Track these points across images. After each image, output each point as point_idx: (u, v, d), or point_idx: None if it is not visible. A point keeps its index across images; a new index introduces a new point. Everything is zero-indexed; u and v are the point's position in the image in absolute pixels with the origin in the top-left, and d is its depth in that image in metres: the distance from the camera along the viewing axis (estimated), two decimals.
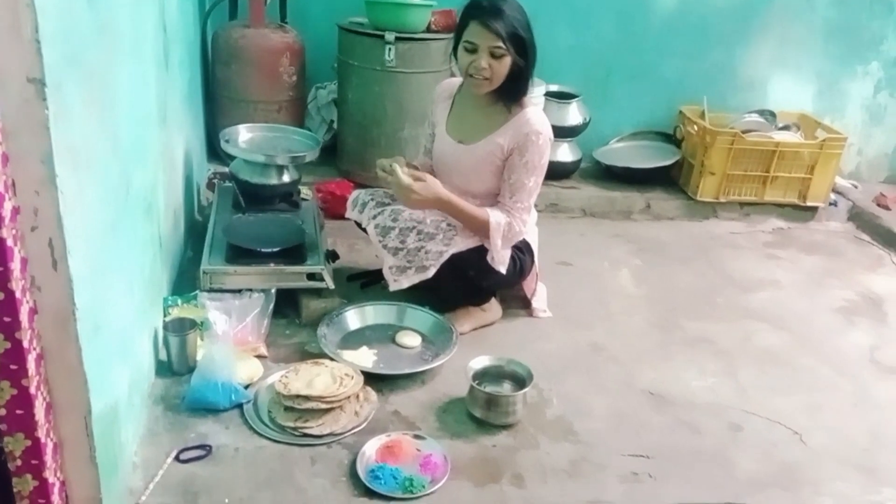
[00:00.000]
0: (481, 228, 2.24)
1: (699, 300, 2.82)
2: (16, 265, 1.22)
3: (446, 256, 2.24)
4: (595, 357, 2.37)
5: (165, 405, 1.93)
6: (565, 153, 3.59)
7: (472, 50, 2.16)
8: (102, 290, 1.48)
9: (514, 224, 2.26)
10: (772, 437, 2.07)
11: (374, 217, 2.27)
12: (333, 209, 3.00)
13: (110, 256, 1.56)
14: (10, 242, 1.20)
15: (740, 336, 2.59)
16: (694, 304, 2.78)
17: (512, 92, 2.24)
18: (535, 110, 2.30)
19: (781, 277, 3.07)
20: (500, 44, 2.12)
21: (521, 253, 2.37)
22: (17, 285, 1.22)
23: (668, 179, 3.68)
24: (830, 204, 3.67)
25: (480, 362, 2.06)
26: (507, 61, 2.16)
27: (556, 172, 3.50)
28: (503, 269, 2.31)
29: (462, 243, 2.25)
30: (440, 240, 2.23)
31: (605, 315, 2.63)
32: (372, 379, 2.05)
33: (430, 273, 2.24)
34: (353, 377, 1.98)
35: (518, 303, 2.58)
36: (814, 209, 3.62)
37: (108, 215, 1.55)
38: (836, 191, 3.74)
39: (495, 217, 2.23)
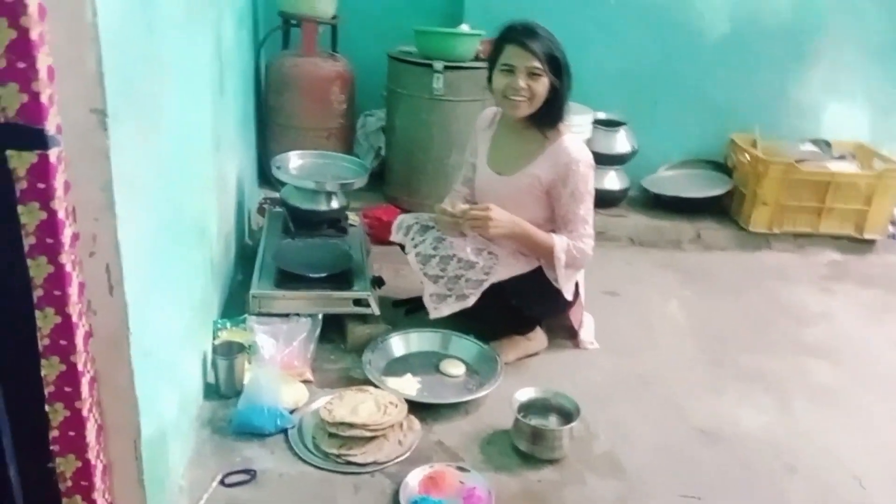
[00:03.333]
0: (548, 254, 2.24)
1: (751, 333, 2.74)
2: (73, 290, 1.25)
3: (486, 285, 2.23)
4: (643, 389, 2.32)
5: (213, 428, 1.95)
6: (612, 181, 3.56)
7: (510, 71, 2.17)
8: (154, 314, 1.51)
9: (581, 245, 2.25)
10: (829, 480, 1.98)
11: (416, 245, 2.28)
12: (380, 235, 3.02)
13: (163, 281, 1.59)
14: (68, 268, 1.23)
15: (795, 371, 2.50)
16: (746, 337, 2.70)
17: (549, 116, 2.24)
18: (572, 137, 2.28)
19: (838, 311, 2.97)
20: (538, 63, 2.14)
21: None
22: (73, 309, 1.25)
23: (719, 209, 3.62)
24: (890, 236, 3.55)
25: (526, 394, 2.03)
26: (545, 82, 2.17)
27: (604, 200, 3.46)
28: (569, 295, 2.30)
29: (503, 272, 2.24)
30: (480, 268, 2.22)
31: (654, 346, 2.58)
32: (416, 407, 2.04)
33: (470, 302, 2.23)
34: (397, 405, 1.97)
35: (564, 333, 2.55)
36: (871, 242, 3.51)
37: (161, 241, 1.58)
38: (894, 223, 3.62)
39: (559, 241, 2.23)
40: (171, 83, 1.71)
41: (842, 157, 3.58)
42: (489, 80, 2.27)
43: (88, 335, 1.31)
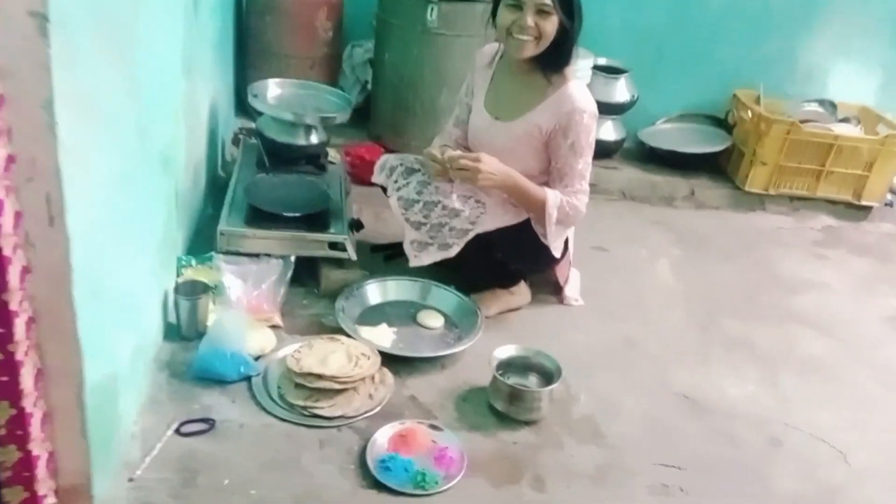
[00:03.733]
0: (539, 208, 2.10)
1: (741, 299, 2.65)
2: (6, 219, 1.11)
3: (471, 235, 2.10)
4: (628, 353, 2.23)
5: (171, 372, 1.83)
6: (608, 131, 3.40)
7: (517, 6, 1.99)
8: (106, 249, 1.37)
9: (574, 202, 2.12)
10: (814, 455, 1.92)
11: (399, 188, 2.12)
12: (361, 174, 2.85)
13: (118, 213, 1.44)
14: (1, 194, 1.09)
15: (783, 341, 2.42)
16: (735, 303, 2.61)
17: (555, 59, 2.06)
18: (578, 84, 2.12)
19: (829, 279, 2.89)
20: (548, 0, 1.96)
21: None
22: (7, 241, 1.11)
23: (716, 167, 3.48)
24: (886, 204, 3.45)
25: (506, 352, 1.93)
26: (554, 21, 1.99)
27: (597, 151, 3.15)
28: (557, 252, 2.18)
29: (490, 222, 2.11)
30: (466, 217, 2.09)
31: (641, 308, 2.48)
32: (389, 360, 1.93)
33: (454, 251, 2.11)
34: (369, 357, 1.86)
35: (549, 288, 2.44)
36: (867, 209, 3.40)
37: (118, 168, 1.43)
38: (892, 191, 3.52)
39: (553, 196, 2.09)
40: None
41: (845, 120, 3.45)
42: (493, 14, 2.08)
43: (26, 270, 1.18)
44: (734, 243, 3.08)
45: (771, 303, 2.66)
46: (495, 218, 2.11)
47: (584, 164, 2.12)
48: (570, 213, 2.12)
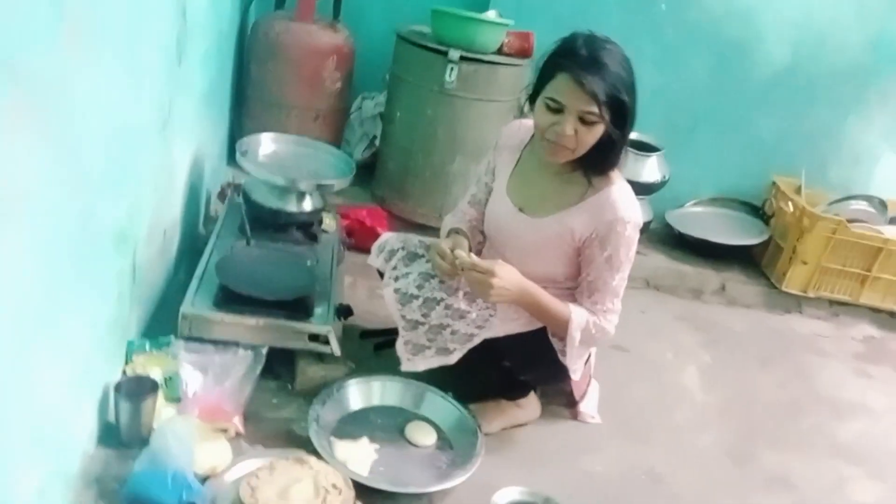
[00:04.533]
0: (561, 328, 1.78)
1: (781, 421, 2.31)
2: None
3: (476, 341, 1.78)
4: (652, 491, 1.88)
5: (100, 490, 1.49)
6: None
7: (557, 110, 1.66)
8: (18, 371, 1.06)
9: (602, 325, 1.81)
10: None
11: (397, 279, 1.81)
12: (360, 241, 2.56)
13: (39, 321, 1.13)
14: None
15: (829, 482, 2.08)
16: (775, 427, 2.27)
17: (598, 164, 1.76)
18: (623, 189, 1.80)
19: (874, 403, 2.55)
20: (595, 109, 1.62)
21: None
22: None
23: (749, 259, 3.17)
24: None
25: (508, 496, 1.59)
26: (599, 130, 1.67)
27: None
28: (576, 375, 1.86)
29: (500, 327, 1.79)
30: (472, 320, 1.77)
31: (667, 429, 2.14)
32: (366, 490, 1.60)
33: (454, 359, 1.78)
34: (340, 491, 1.52)
35: (561, 399, 2.11)
36: None
37: (46, 266, 1.13)
38: None
39: (578, 316, 1.78)
40: (94, 52, 1.24)
41: (894, 221, 3.15)
42: (529, 101, 1.77)
43: None
44: (769, 349, 2.75)
45: (814, 428, 2.32)
46: (506, 323, 1.79)
47: (620, 279, 1.81)
48: (595, 334, 1.80)
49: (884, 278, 2.99)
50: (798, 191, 3.16)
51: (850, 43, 3.18)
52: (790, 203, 3.08)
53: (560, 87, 1.65)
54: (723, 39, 3.17)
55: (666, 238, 3.22)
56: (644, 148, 3.08)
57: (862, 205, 3.12)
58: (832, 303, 3.06)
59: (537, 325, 1.81)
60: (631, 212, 1.76)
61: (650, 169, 3.07)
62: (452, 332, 1.77)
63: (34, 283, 1.11)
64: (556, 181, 1.82)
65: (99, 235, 1.38)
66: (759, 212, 3.28)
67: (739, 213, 3.31)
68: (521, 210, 1.86)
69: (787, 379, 2.58)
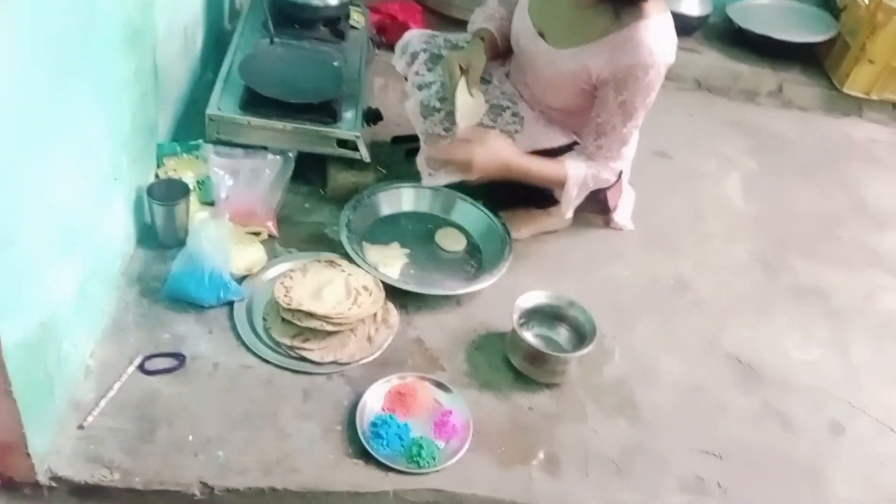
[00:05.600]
0: (557, 185, 1.71)
1: (819, 231, 2.26)
2: None
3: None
4: (677, 298, 1.90)
5: (142, 288, 1.57)
6: (692, 4, 2.85)
7: None
8: (28, 170, 1.06)
9: (600, 173, 1.72)
10: (880, 450, 1.63)
11: (420, 88, 1.73)
12: (391, 38, 2.41)
13: (44, 118, 1.11)
14: None
15: (862, 291, 2.07)
16: (811, 237, 2.23)
17: None
18: (653, 26, 1.58)
19: None
20: None
21: None
22: None
23: (812, 58, 2.93)
24: None
25: (533, 299, 1.62)
26: None
27: (676, 27, 2.78)
28: (569, 214, 1.79)
29: (526, 142, 1.73)
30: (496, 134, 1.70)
31: (700, 238, 2.12)
32: (396, 291, 1.65)
33: (475, 175, 1.70)
34: (371, 293, 1.58)
35: (594, 206, 2.02)
36: None
37: (46, 62, 1.08)
38: None
39: (575, 170, 1.69)
40: None
41: None
42: None
43: None
44: (820, 156, 2.63)
45: (853, 239, 2.27)
46: (534, 138, 1.72)
47: (632, 126, 1.69)
48: (593, 186, 1.72)
49: None
50: None
51: None
52: None
53: None
54: None
55: (724, 34, 2.97)
56: None
57: None
58: (895, 106, 2.86)
59: (564, 141, 1.74)
60: (656, 55, 1.58)
61: None
62: None
63: (37, 78, 1.07)
64: (583, 9, 1.63)
65: (103, 31, 1.31)
66: (830, 3, 2.98)
67: (808, 5, 3.00)
68: (540, 34, 1.70)
69: (834, 187, 2.48)
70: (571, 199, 1.74)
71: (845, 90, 2.82)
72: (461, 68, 1.70)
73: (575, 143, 1.76)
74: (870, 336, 1.92)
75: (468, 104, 1.71)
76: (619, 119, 1.66)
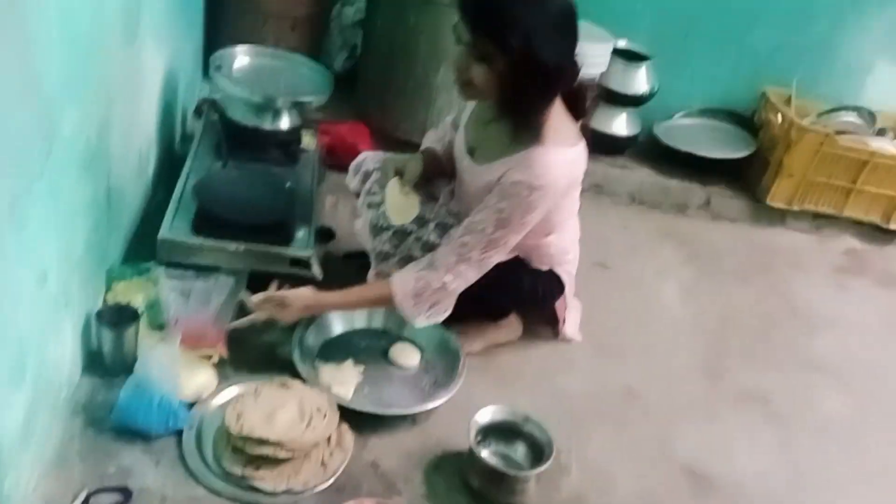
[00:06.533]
0: (387, 303, 1.71)
1: (755, 336, 2.36)
2: None
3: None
4: (628, 406, 1.94)
5: (86, 419, 1.52)
6: (621, 125, 3.05)
7: (457, 40, 1.55)
8: None
9: (436, 279, 1.65)
10: None
11: (370, 207, 1.79)
12: (341, 159, 2.49)
13: (6, 247, 1.11)
14: None
15: (800, 394, 2.15)
16: (749, 342, 2.32)
17: (514, 114, 1.60)
18: (551, 153, 1.60)
19: (851, 316, 2.60)
20: (471, 39, 1.51)
21: (550, 280, 1.91)
22: None
23: (736, 172, 3.14)
24: None
25: (489, 415, 1.63)
26: (482, 71, 1.52)
27: (607, 146, 2.99)
28: (419, 324, 1.75)
29: None
30: None
31: (644, 346, 2.19)
32: (351, 411, 1.64)
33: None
34: (325, 415, 1.56)
35: (543, 318, 2.13)
36: (894, 233, 3.10)
37: (6, 186, 1.09)
38: None
39: (401, 285, 1.67)
40: None
41: (882, 132, 3.10)
42: None
43: None
44: (750, 263, 2.78)
45: (788, 342, 2.38)
46: None
47: (498, 238, 1.65)
48: (433, 295, 1.68)
49: (868, 191, 2.98)
50: (788, 102, 3.11)
51: None
52: (779, 115, 3.03)
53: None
54: None
55: (651, 152, 3.16)
56: (633, 57, 2.99)
57: (851, 116, 3.07)
58: (816, 216, 3.06)
59: (513, 254, 1.80)
60: (541, 179, 1.59)
61: (639, 80, 2.98)
62: None
63: None
64: (497, 127, 1.67)
65: (64, 157, 1.33)
66: (747, 123, 3.23)
67: (728, 124, 3.24)
68: (469, 152, 1.79)
69: (766, 292, 2.62)
70: (410, 310, 1.69)
71: (769, 202, 3.02)
72: (396, 171, 1.79)
73: (516, 257, 1.81)
74: (811, 438, 1.99)
75: (399, 202, 1.80)
76: (491, 224, 1.64)
